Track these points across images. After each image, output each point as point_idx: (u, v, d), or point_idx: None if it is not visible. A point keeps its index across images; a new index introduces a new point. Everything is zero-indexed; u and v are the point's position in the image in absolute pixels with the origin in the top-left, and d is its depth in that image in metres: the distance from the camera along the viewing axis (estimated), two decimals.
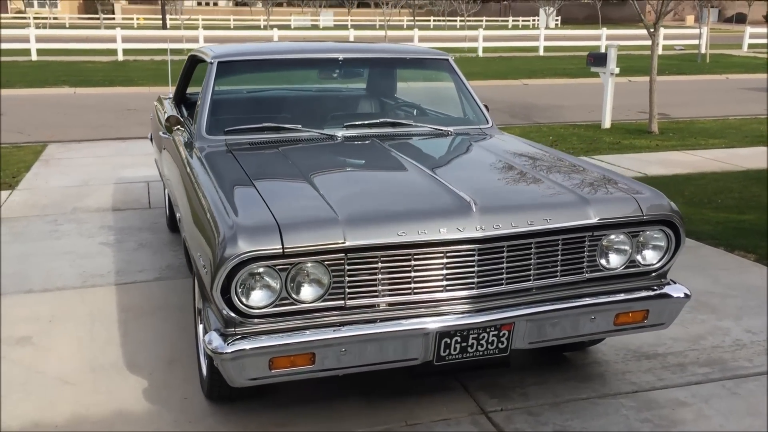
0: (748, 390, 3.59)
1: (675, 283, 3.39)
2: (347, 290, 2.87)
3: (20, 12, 59.77)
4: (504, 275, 3.03)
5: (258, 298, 2.78)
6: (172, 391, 3.54)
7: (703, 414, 3.39)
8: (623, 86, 17.37)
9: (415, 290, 2.94)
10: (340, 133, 4.13)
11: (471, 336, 3.01)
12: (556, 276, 3.14)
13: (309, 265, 2.81)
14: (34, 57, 24.73)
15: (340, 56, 4.54)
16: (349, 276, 2.86)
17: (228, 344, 2.75)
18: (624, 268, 3.24)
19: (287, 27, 47.50)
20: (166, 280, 5.04)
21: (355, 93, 5.15)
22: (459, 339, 3.00)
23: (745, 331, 4.26)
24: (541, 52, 29.73)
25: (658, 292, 3.28)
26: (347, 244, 2.79)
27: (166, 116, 4.63)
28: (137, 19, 54.80)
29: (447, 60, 4.81)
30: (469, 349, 3.04)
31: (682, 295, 3.32)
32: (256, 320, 2.78)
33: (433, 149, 4.13)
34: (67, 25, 49.21)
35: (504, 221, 2.97)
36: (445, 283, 2.96)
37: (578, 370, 3.79)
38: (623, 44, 27.59)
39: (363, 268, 2.87)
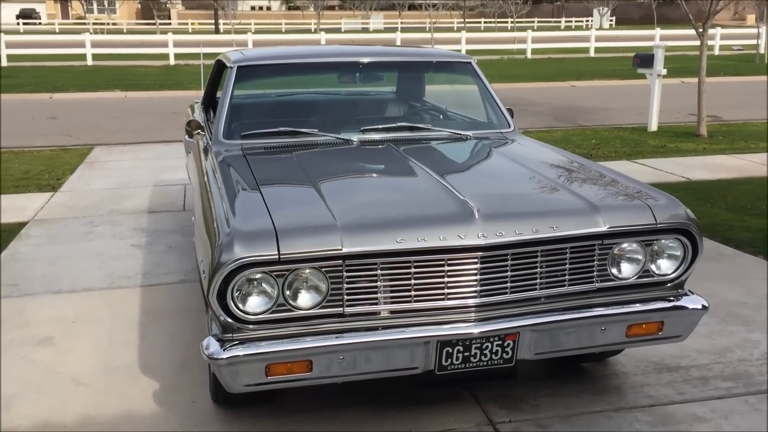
0: None
1: (692, 293, 3.26)
2: (346, 297, 2.83)
3: (80, 18, 61.46)
4: (508, 284, 2.96)
5: (255, 304, 2.76)
6: (181, 394, 3.56)
7: (722, 430, 3.25)
8: (675, 88, 16.96)
9: (416, 298, 2.89)
10: (357, 137, 4.11)
11: (474, 346, 2.95)
12: (564, 285, 3.05)
13: (306, 271, 2.78)
14: (89, 62, 25.41)
15: (360, 60, 4.52)
16: (348, 283, 2.82)
17: (224, 350, 2.74)
18: (637, 278, 3.14)
19: (338, 30, 47.79)
20: (190, 282, 5.08)
21: (375, 97, 5.12)
22: (461, 348, 2.94)
23: None
24: (592, 54, 29.28)
25: (673, 303, 3.16)
26: (344, 250, 2.76)
27: (186, 120, 4.67)
28: (192, 23, 55.81)
29: (470, 63, 4.74)
30: (472, 359, 2.97)
31: (699, 307, 3.20)
32: (252, 326, 2.77)
33: (448, 154, 4.08)
34: (125, 31, 50.42)
35: (507, 229, 2.90)
36: (446, 291, 2.90)
37: (595, 381, 3.69)
38: (678, 45, 27.05)
39: (362, 275, 2.83)
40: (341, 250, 2.76)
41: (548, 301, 3.04)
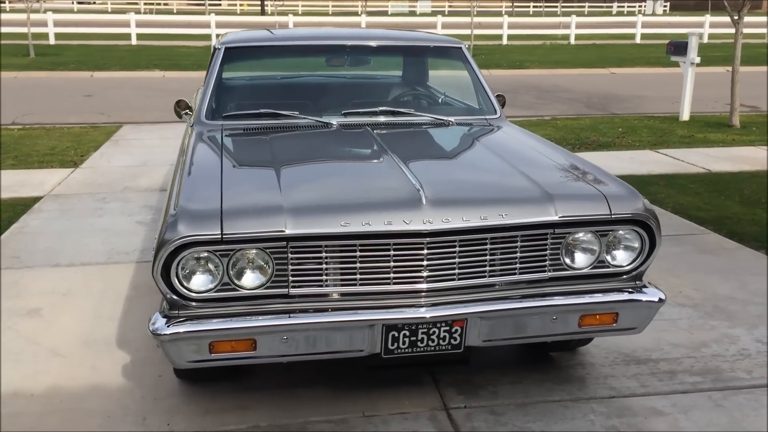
0: (735, 403, 3.39)
1: (651, 286, 3.22)
2: (291, 278, 2.88)
3: None
4: (456, 270, 2.96)
5: (199, 282, 2.82)
6: (150, 368, 3.65)
7: (678, 425, 3.22)
8: (718, 76, 16.53)
9: (362, 281, 2.92)
10: (338, 120, 4.13)
11: (420, 331, 2.96)
12: (515, 273, 3.04)
13: (251, 252, 2.83)
14: (133, 41, 25.83)
15: (346, 43, 4.53)
16: (293, 264, 2.86)
17: (168, 326, 2.81)
18: (591, 268, 3.11)
19: (384, 13, 47.65)
20: None
21: (362, 81, 5.13)
22: (407, 333, 2.96)
23: (756, 341, 4.00)
24: (638, 40, 28.68)
25: (627, 295, 3.13)
26: (288, 232, 2.80)
27: (176, 100, 4.75)
28: (240, 5, 56.24)
29: (460, 48, 4.71)
30: (419, 344, 2.99)
31: (655, 300, 3.16)
32: (196, 304, 2.84)
33: (422, 139, 4.07)
34: (175, 11, 51.03)
35: (455, 215, 2.90)
36: (392, 275, 2.92)
37: (560, 371, 3.67)
38: (728, 32, 26.23)
39: (306, 257, 2.87)
40: (284, 232, 2.80)
41: (498, 289, 3.04)
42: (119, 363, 3.72)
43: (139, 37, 26.28)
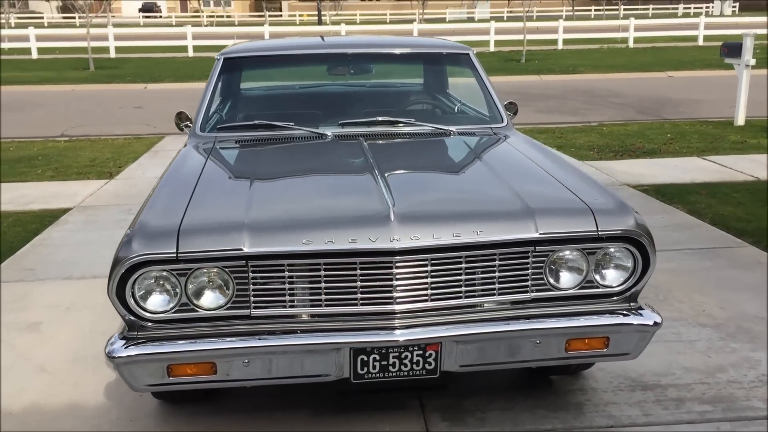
0: None
1: (647, 308, 2.98)
2: (252, 299, 2.75)
3: (197, 11, 63.79)
4: (429, 291, 2.78)
5: (156, 302, 2.72)
6: None
7: None
8: None
9: (328, 302, 2.76)
10: (332, 131, 3.99)
11: (391, 355, 2.79)
12: (494, 294, 2.85)
13: (210, 271, 2.71)
14: (190, 53, 26.30)
15: (347, 51, 4.40)
16: (254, 284, 2.73)
17: (122, 348, 2.71)
18: (578, 289, 2.89)
19: (442, 20, 47.47)
20: None
21: (363, 90, 4.97)
22: (377, 357, 2.79)
23: None
24: (701, 42, 27.74)
25: (618, 318, 2.89)
26: (246, 251, 2.67)
27: (177, 112, 4.70)
28: (300, 15, 56.87)
29: (467, 54, 4.52)
30: (390, 368, 2.82)
31: (650, 323, 2.91)
32: (153, 325, 2.73)
33: (414, 151, 3.90)
34: (236, 23, 51.95)
35: (425, 232, 2.73)
36: (360, 296, 2.76)
37: (557, 396, 3.44)
38: None
39: (268, 276, 2.73)
40: (243, 250, 2.67)
41: (476, 311, 2.84)
42: (103, 381, 3.65)
43: (196, 49, 26.75)
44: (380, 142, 3.87)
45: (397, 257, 2.72)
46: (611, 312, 2.92)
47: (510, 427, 3.20)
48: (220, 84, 4.32)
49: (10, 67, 21.73)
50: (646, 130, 10.99)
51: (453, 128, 4.09)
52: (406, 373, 2.84)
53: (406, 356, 2.81)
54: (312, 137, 3.97)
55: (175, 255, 2.65)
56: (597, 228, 2.82)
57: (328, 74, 4.71)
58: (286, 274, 2.73)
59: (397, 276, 2.74)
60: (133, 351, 2.69)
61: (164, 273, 2.70)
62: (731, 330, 4.08)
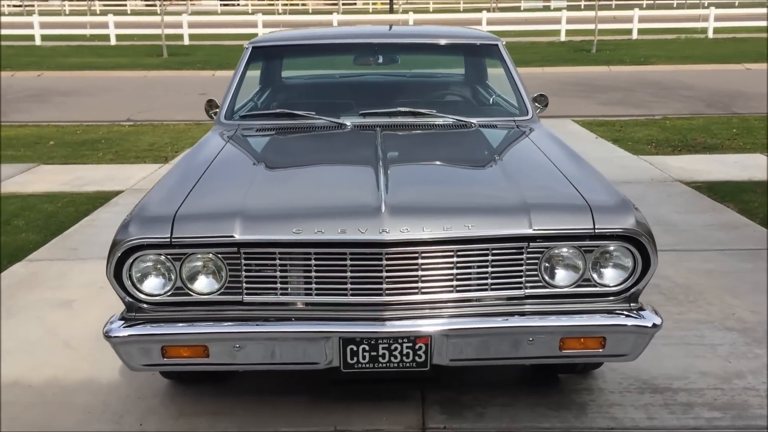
0: None
1: (648, 308, 2.90)
2: (245, 286, 2.80)
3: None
4: (419, 284, 2.78)
5: (152, 285, 2.80)
6: None
7: None
8: None
9: (318, 292, 2.79)
10: (351, 121, 4.01)
11: (381, 345, 2.80)
12: (486, 289, 2.82)
13: (204, 256, 2.78)
14: None
15: (373, 42, 4.40)
16: (246, 271, 2.78)
17: (120, 328, 2.80)
18: (575, 287, 2.83)
19: (516, 9, 46.80)
20: None
21: (389, 80, 4.95)
22: (367, 347, 2.80)
23: None
24: None
25: (614, 318, 2.82)
26: (237, 238, 2.72)
27: (207, 100, 4.79)
28: (373, 3, 56.90)
29: (496, 45, 4.46)
30: (380, 359, 2.83)
31: (648, 325, 2.83)
32: (149, 307, 2.81)
33: (428, 142, 3.87)
34: (310, 11, 52.40)
35: (415, 225, 2.72)
36: (350, 287, 2.77)
37: (561, 395, 3.39)
38: None
39: (260, 264, 2.78)
40: (234, 237, 2.72)
41: (467, 305, 2.82)
42: (118, 360, 3.76)
43: None
44: (396, 133, 3.87)
45: (387, 249, 2.72)
46: (608, 312, 2.85)
47: (507, 423, 3.17)
48: (246, 73, 4.38)
49: (89, 53, 22.52)
50: (711, 125, 10.61)
51: (474, 120, 4.05)
52: (396, 365, 2.84)
53: (396, 348, 2.81)
54: (331, 127, 4.00)
55: (169, 240, 2.72)
56: (594, 226, 2.76)
57: (354, 64, 4.72)
58: (278, 262, 2.77)
59: (387, 268, 2.74)
60: (129, 331, 2.79)
61: (160, 257, 2.77)
62: (758, 335, 3.93)
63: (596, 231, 2.75)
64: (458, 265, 2.78)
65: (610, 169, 7.79)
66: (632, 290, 2.84)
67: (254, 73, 5.62)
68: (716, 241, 5.43)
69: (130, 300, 2.82)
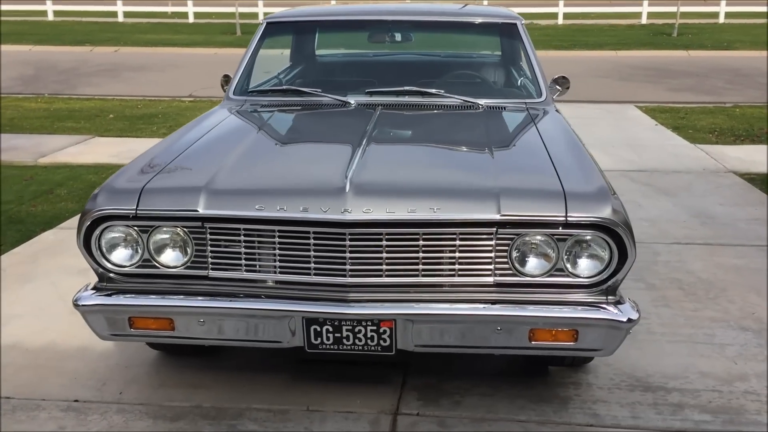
0: None
1: (627, 302, 2.75)
2: (210, 261, 2.79)
3: None
4: (384, 266, 2.71)
5: (120, 256, 2.83)
6: None
7: None
8: None
9: (282, 270, 2.76)
10: (356, 99, 3.95)
11: (345, 327, 2.76)
12: (453, 275, 2.73)
13: (170, 230, 2.78)
14: None
15: (387, 19, 4.32)
16: (212, 246, 2.78)
17: (89, 297, 2.85)
18: (547, 276, 2.71)
19: None
20: None
21: (400, 59, 4.84)
22: (330, 329, 2.77)
23: None
24: None
25: (586, 311, 2.69)
26: (201, 212, 2.72)
27: (223, 74, 4.81)
28: None
29: (514, 24, 4.30)
30: (344, 341, 2.79)
31: (623, 320, 2.68)
32: (117, 277, 2.85)
33: (423, 123, 3.77)
34: None
35: (378, 206, 2.65)
36: (314, 266, 2.73)
37: (545, 388, 3.27)
38: None
39: (225, 240, 2.77)
40: (198, 212, 2.72)
41: (434, 291, 2.74)
42: None
43: None
44: (397, 112, 3.79)
45: (350, 230, 2.66)
46: (582, 304, 2.72)
47: (482, 413, 3.08)
48: (260, 49, 4.38)
49: (166, 30, 23.03)
50: None
51: (482, 101, 3.93)
52: (360, 348, 2.80)
53: (360, 330, 2.76)
54: (335, 104, 3.95)
55: (134, 212, 2.74)
56: (566, 213, 2.62)
57: (368, 42, 4.65)
58: (242, 238, 2.75)
59: (351, 248, 2.69)
60: (95, 300, 2.83)
61: (128, 229, 2.79)
62: None
63: (568, 219, 2.62)
64: (424, 248, 2.70)
65: (660, 156, 7.49)
66: (609, 282, 2.70)
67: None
68: (756, 236, 5.14)
69: (101, 270, 2.85)
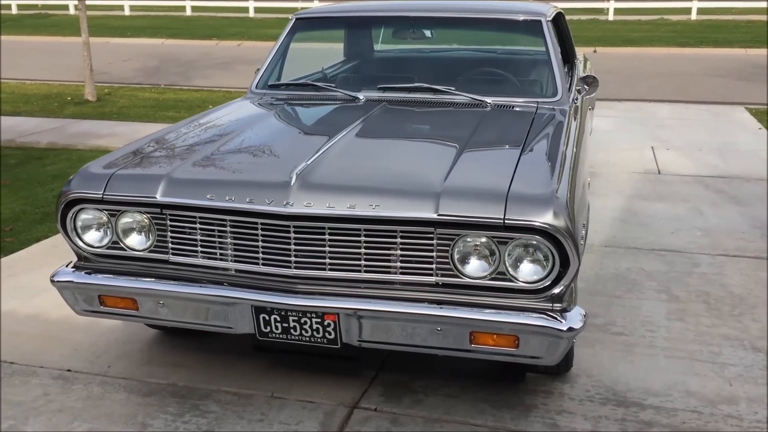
0: None
1: (573, 311, 2.65)
2: (171, 246, 2.93)
3: None
4: (327, 260, 2.75)
5: (92, 238, 3.01)
6: None
7: None
8: None
9: (233, 258, 2.85)
10: (365, 95, 3.99)
11: (291, 318, 2.82)
12: (396, 273, 2.72)
13: (135, 215, 2.94)
14: None
15: (410, 15, 4.31)
16: (171, 232, 2.91)
17: (63, 274, 3.05)
18: (488, 279, 2.65)
19: None
20: None
21: (419, 55, 4.78)
22: (278, 318, 2.83)
23: None
24: None
25: (523, 317, 2.61)
26: (159, 199, 2.85)
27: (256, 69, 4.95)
28: None
29: (539, 21, 4.17)
30: (292, 331, 2.85)
31: (563, 328, 2.58)
32: (90, 256, 3.03)
33: (415, 120, 3.76)
34: None
35: (320, 201, 2.69)
36: (261, 256, 2.81)
37: (513, 394, 3.18)
38: None
39: (183, 226, 2.89)
40: (156, 199, 2.86)
41: (378, 288, 2.75)
42: None
43: None
44: (399, 108, 3.80)
45: (294, 222, 2.72)
46: (524, 309, 2.64)
47: (439, 414, 3.05)
48: (289, 44, 4.49)
49: (234, 25, 23.66)
50: None
51: (490, 99, 3.85)
52: (308, 339, 2.85)
53: (306, 322, 2.81)
54: (346, 99, 4.00)
55: (101, 196, 2.91)
56: (504, 216, 2.55)
57: (393, 38, 4.65)
58: (198, 226, 2.87)
59: (295, 241, 2.74)
60: (68, 277, 3.03)
61: (99, 212, 2.97)
62: None
63: (506, 222, 2.55)
64: (366, 244, 2.71)
65: (748, 163, 7.00)
66: (554, 290, 2.60)
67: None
68: None
69: (77, 249, 3.05)
